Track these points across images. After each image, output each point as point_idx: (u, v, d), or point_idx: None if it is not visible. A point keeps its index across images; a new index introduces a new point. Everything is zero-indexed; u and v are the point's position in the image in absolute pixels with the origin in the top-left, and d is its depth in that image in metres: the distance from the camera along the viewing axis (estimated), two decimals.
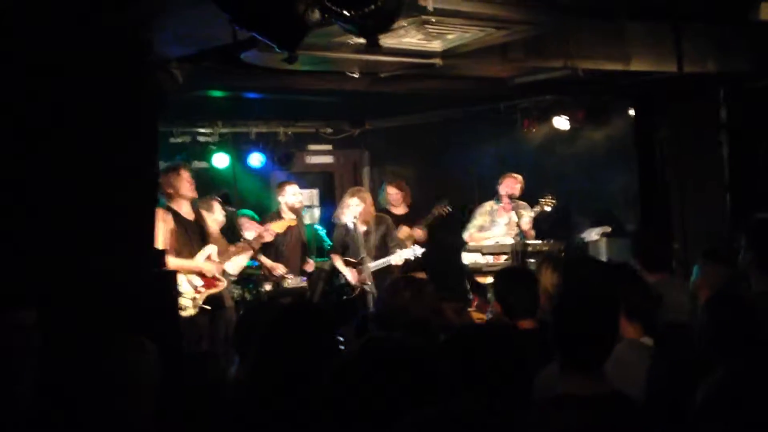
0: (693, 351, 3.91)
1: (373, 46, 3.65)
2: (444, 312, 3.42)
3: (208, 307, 6.72)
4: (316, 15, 3.55)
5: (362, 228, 7.99)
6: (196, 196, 6.95)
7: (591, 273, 4.10)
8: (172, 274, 5.27)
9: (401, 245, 8.09)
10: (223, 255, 6.97)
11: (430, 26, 5.06)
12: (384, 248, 8.06)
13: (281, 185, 8.25)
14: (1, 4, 4.00)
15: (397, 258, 7.94)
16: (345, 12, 3.29)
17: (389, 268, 8.01)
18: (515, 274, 4.73)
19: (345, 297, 8.03)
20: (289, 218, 7.72)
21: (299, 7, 3.50)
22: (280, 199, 8.08)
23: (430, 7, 4.46)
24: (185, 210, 6.86)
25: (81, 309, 4.35)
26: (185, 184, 6.80)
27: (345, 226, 7.95)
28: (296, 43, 3.67)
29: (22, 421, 3.25)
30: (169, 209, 6.77)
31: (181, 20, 4.57)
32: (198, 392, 3.65)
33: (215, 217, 7.46)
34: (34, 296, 4.38)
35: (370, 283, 7.63)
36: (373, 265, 7.85)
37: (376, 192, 9.11)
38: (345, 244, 8.05)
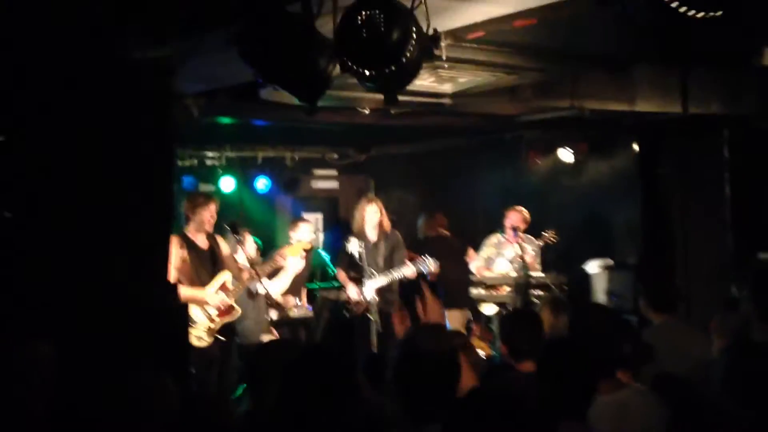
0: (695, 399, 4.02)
1: (392, 103, 3.74)
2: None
3: (224, 338, 6.75)
4: (337, 70, 3.66)
5: (373, 238, 8.08)
6: (212, 231, 6.96)
7: (596, 323, 4.17)
8: (184, 308, 5.37)
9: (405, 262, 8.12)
10: (239, 283, 6.99)
11: (442, 71, 5.18)
12: (391, 263, 8.11)
13: (295, 222, 8.27)
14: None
15: (410, 270, 7.94)
16: (365, 71, 3.38)
17: (392, 282, 8.06)
18: (520, 317, 4.81)
19: (347, 315, 8.04)
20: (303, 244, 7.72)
21: (321, 63, 3.61)
22: (292, 234, 8.08)
23: (444, 56, 4.55)
24: (200, 239, 6.89)
25: (99, 344, 4.45)
26: (208, 217, 6.82)
27: (351, 252, 7.98)
28: (317, 96, 3.78)
29: None
30: (184, 237, 6.82)
31: (204, 62, 4.66)
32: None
33: (248, 248, 7.46)
34: (51, 328, 4.50)
35: (374, 301, 7.64)
36: (384, 280, 7.89)
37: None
38: (352, 262, 8.09)
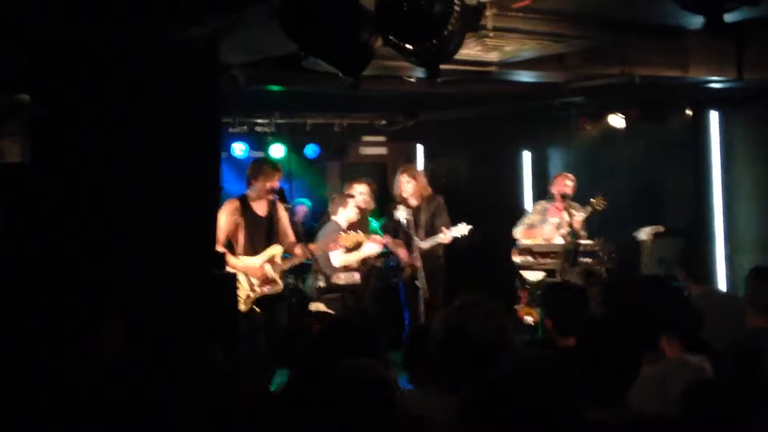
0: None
1: (434, 77, 3.73)
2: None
3: (258, 310, 6.79)
4: (379, 43, 3.65)
5: (413, 203, 8.16)
6: (272, 198, 6.98)
7: (638, 297, 4.09)
8: (232, 277, 5.44)
9: (449, 226, 8.15)
10: (289, 259, 7.07)
11: (488, 40, 5.13)
12: (432, 228, 8.16)
13: (351, 183, 8.33)
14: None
15: (446, 237, 8.02)
16: (407, 45, 3.37)
17: (437, 248, 8.14)
18: (565, 292, 4.71)
19: (395, 281, 8.17)
20: (360, 235, 7.68)
21: (363, 37, 3.61)
22: (347, 191, 8.13)
23: (489, 26, 4.52)
24: (260, 206, 6.92)
25: (148, 315, 4.55)
26: (268, 186, 6.83)
27: (398, 218, 8.01)
28: (360, 69, 3.79)
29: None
30: (243, 201, 6.86)
31: (248, 34, 4.69)
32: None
33: (347, 212, 7.70)
34: (102, 301, 4.63)
35: (419, 265, 7.69)
36: (423, 243, 7.96)
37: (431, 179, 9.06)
38: (398, 228, 8.15)
